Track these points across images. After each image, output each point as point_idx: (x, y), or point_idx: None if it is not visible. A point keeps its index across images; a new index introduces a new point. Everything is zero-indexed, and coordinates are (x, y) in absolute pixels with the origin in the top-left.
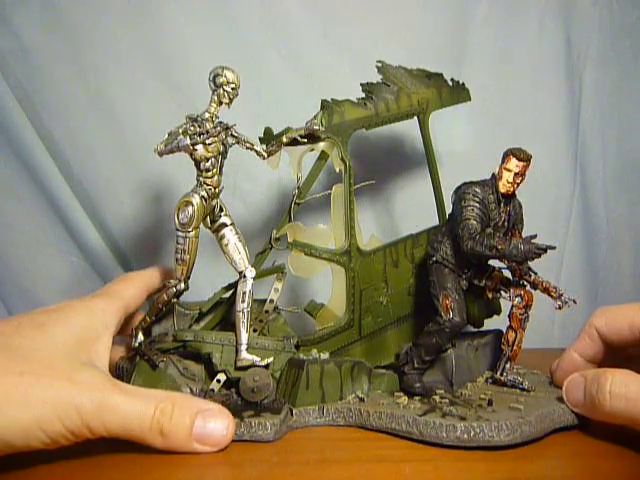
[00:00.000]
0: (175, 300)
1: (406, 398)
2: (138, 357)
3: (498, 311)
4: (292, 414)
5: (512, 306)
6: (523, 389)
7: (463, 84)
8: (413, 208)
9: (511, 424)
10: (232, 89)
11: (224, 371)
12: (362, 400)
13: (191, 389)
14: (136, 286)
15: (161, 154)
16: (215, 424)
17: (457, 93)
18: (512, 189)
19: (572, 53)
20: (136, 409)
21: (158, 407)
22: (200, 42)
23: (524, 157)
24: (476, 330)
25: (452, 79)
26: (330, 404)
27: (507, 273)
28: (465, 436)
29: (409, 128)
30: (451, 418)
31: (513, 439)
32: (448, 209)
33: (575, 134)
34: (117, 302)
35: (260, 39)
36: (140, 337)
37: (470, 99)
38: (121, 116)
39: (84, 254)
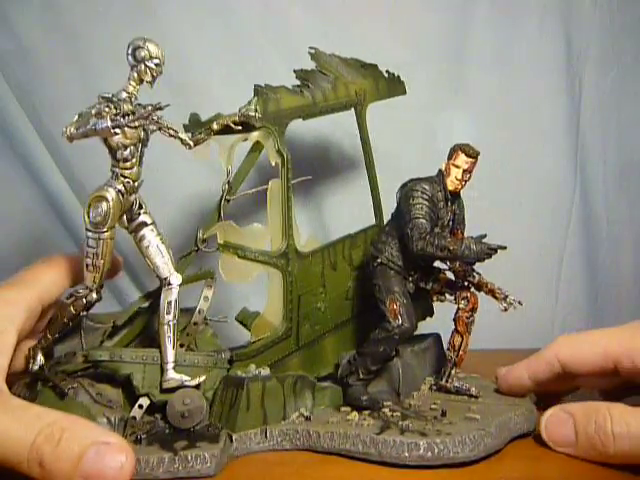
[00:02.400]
0: (84, 313)
1: (356, 414)
2: (40, 383)
3: (431, 313)
4: (232, 440)
5: (458, 309)
6: (471, 396)
7: (399, 77)
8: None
9: (474, 437)
10: (156, 65)
11: (147, 394)
12: (308, 419)
13: (108, 418)
14: (57, 270)
15: (71, 139)
16: (111, 460)
17: (393, 86)
18: (460, 186)
19: (572, 53)
20: (14, 431)
21: (43, 432)
22: (200, 42)
23: (473, 153)
24: (418, 334)
25: (387, 71)
26: (273, 426)
27: (450, 275)
28: (429, 454)
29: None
30: (411, 435)
31: (477, 453)
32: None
33: (575, 134)
34: (30, 291)
35: (260, 39)
36: (40, 359)
37: (405, 93)
38: None
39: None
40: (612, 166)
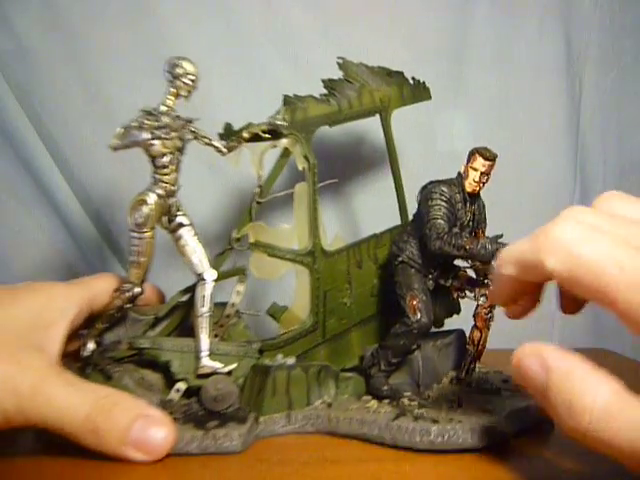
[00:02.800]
0: (129, 305)
1: (375, 402)
2: (90, 368)
3: (458, 310)
4: (258, 422)
5: (477, 305)
6: (489, 389)
7: (424, 83)
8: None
9: (483, 426)
10: (191, 81)
11: (184, 379)
12: (330, 405)
13: (149, 400)
14: (109, 282)
15: (116, 149)
16: (155, 431)
17: (418, 92)
18: (478, 188)
19: (572, 53)
20: (72, 402)
21: (97, 403)
22: (200, 42)
23: (490, 156)
24: (438, 330)
25: (413, 78)
26: (297, 411)
27: (471, 273)
28: (439, 439)
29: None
30: (423, 422)
31: (486, 441)
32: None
33: (575, 134)
34: (82, 292)
35: (260, 39)
36: (91, 346)
37: (430, 98)
38: (121, 116)
39: (84, 254)
40: (612, 166)
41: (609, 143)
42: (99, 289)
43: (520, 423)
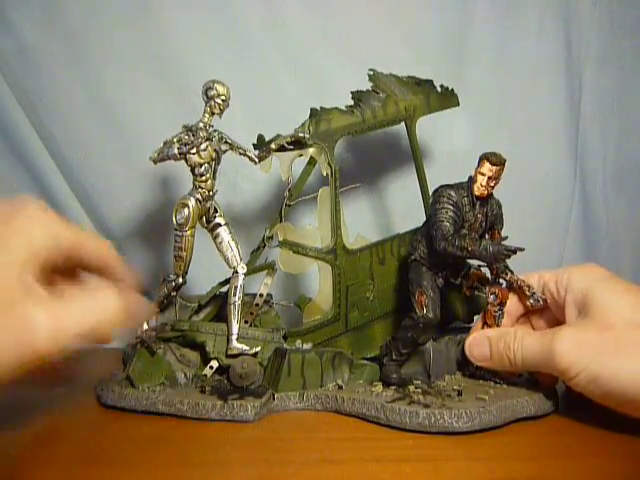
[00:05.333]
0: (174, 293)
1: (381, 387)
2: (139, 345)
3: (485, 307)
4: (274, 398)
5: (487, 303)
6: (496, 382)
7: (452, 90)
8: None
9: (471, 412)
10: (222, 101)
11: (216, 358)
12: (340, 388)
13: (185, 374)
14: (100, 244)
15: (155, 162)
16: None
17: (446, 99)
18: (486, 192)
19: (572, 53)
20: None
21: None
22: (200, 42)
23: (497, 162)
24: (461, 326)
25: (442, 85)
26: (310, 391)
27: (486, 271)
28: (427, 422)
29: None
30: (416, 405)
31: (471, 426)
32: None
33: (575, 134)
34: (69, 233)
35: (260, 39)
36: (145, 326)
37: (459, 104)
38: (121, 116)
39: None
40: (612, 166)
41: (609, 142)
42: (91, 247)
43: (510, 414)
